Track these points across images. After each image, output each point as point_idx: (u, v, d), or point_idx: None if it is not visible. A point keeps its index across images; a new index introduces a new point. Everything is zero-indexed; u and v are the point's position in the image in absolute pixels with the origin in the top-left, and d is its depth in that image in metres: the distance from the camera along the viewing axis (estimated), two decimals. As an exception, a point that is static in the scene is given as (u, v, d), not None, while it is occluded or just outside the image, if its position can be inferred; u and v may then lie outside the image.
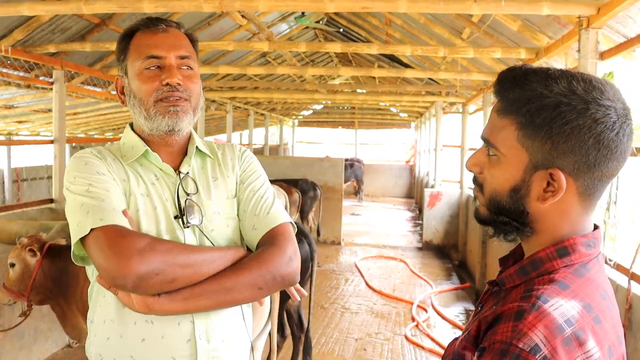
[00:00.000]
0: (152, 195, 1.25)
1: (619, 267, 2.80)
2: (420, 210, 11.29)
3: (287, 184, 7.32)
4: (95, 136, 12.74)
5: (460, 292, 6.10)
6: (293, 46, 5.09)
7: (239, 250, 1.24)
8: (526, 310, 0.74)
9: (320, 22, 7.63)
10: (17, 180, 12.07)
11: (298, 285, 1.38)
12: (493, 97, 0.88)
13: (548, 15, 3.25)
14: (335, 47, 4.87)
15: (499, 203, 0.86)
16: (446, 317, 5.16)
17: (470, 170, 0.91)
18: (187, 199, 1.26)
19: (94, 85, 5.92)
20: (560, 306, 0.74)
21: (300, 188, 7.56)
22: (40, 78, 4.82)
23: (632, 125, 0.80)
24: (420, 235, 8.80)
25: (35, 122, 9.84)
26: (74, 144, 12.73)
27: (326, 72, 7.14)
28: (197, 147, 1.33)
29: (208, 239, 1.26)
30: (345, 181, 12.54)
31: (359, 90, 11.58)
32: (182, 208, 1.24)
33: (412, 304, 5.46)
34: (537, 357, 0.70)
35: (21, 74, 4.67)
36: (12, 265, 2.80)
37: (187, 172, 1.30)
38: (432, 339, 4.57)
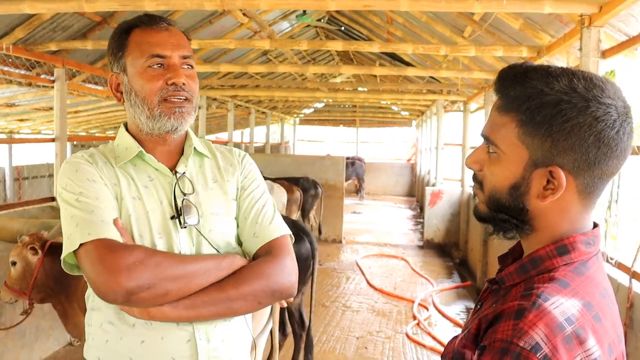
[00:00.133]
0: (143, 198, 1.24)
1: (620, 266, 2.80)
2: (422, 209, 11.28)
3: (288, 182, 7.32)
4: (97, 134, 12.74)
5: (461, 291, 6.09)
6: (294, 44, 5.08)
7: (235, 258, 1.24)
8: (527, 309, 0.74)
9: (322, 21, 7.62)
10: (18, 178, 12.07)
11: None
12: (494, 94, 0.88)
13: (550, 13, 3.25)
14: (337, 46, 4.87)
15: (499, 200, 0.86)
16: (447, 315, 5.16)
17: (470, 168, 0.91)
18: (184, 199, 1.25)
19: (95, 83, 5.92)
20: (561, 304, 0.74)
21: (301, 186, 7.56)
22: (42, 76, 4.82)
23: (632, 123, 0.80)
24: (422, 233, 8.79)
25: (36, 121, 9.85)
26: (75, 142, 12.76)
27: (327, 71, 7.12)
28: (194, 147, 1.33)
29: (206, 239, 1.25)
30: (347, 179, 12.55)
31: (360, 89, 11.59)
32: (179, 208, 1.24)
33: (413, 302, 5.46)
34: (537, 355, 0.70)
35: (22, 72, 4.68)
36: (14, 263, 2.79)
37: (184, 172, 1.29)
38: (433, 338, 4.57)
